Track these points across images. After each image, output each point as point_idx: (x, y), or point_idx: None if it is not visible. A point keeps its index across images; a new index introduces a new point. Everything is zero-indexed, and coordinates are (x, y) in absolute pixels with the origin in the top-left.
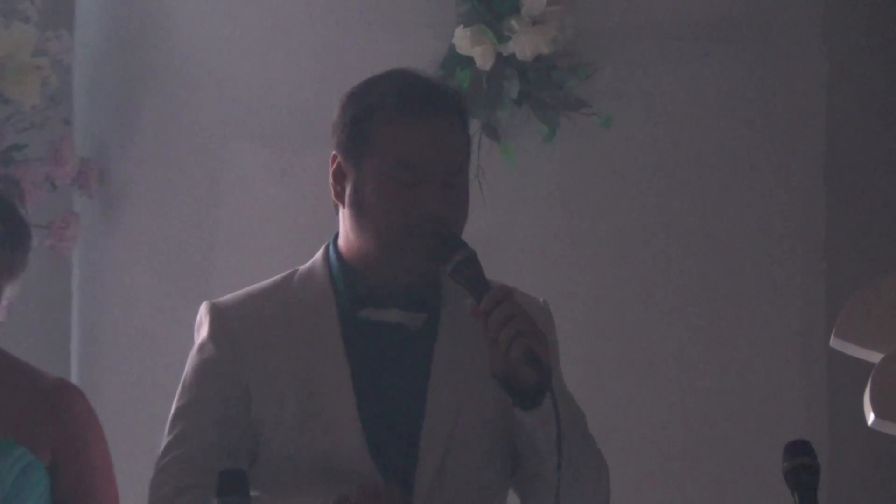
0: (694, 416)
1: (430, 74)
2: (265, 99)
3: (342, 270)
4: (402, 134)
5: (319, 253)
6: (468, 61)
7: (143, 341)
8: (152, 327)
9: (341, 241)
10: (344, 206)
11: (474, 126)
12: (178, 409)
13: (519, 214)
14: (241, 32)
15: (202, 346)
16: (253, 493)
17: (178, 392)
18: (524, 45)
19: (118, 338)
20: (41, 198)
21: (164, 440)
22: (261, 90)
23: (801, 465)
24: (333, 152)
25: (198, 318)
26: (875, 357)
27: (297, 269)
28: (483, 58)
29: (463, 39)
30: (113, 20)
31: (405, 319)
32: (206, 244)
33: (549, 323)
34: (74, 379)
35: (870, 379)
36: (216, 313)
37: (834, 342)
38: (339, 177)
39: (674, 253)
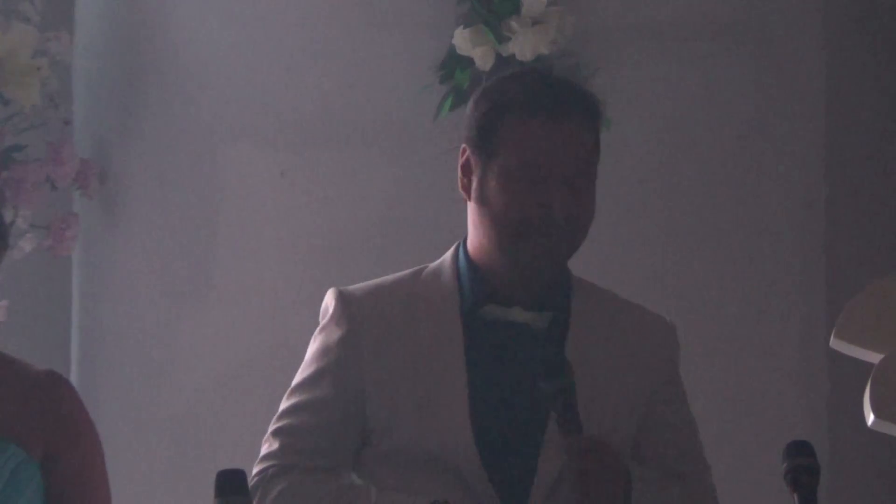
0: (693, 416)
1: (563, 76)
2: (265, 99)
3: (468, 268)
4: (529, 136)
5: (450, 251)
6: (468, 62)
7: (143, 341)
8: (152, 327)
9: (469, 238)
10: (470, 200)
11: None
12: (296, 384)
13: None
14: (241, 32)
15: (324, 328)
16: (360, 480)
17: (300, 368)
18: (524, 45)
19: (118, 338)
20: (41, 198)
21: (281, 407)
22: (261, 90)
23: (801, 465)
24: (463, 145)
25: (324, 303)
26: (875, 357)
27: (427, 266)
28: (483, 58)
29: (463, 40)
30: (113, 20)
31: (529, 319)
32: (206, 244)
33: (671, 343)
34: (74, 379)
35: (870, 379)
36: (342, 299)
37: (834, 343)
38: (467, 170)
39: (674, 253)
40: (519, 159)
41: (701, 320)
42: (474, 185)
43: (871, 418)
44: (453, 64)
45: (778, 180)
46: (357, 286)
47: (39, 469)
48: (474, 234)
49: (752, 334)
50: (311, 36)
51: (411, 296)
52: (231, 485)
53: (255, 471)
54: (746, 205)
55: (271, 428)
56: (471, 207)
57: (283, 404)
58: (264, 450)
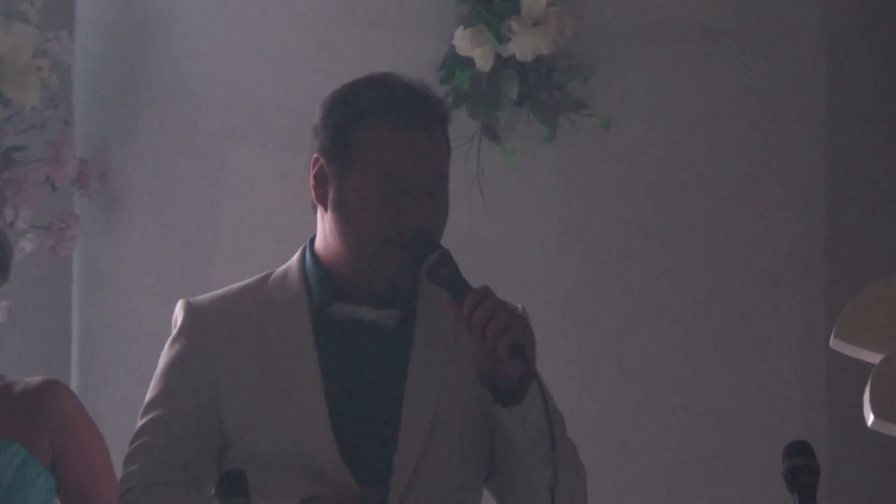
0: (694, 416)
1: (413, 81)
2: (265, 99)
3: (316, 270)
4: (388, 147)
5: (296, 255)
6: (468, 62)
7: (143, 341)
8: (152, 327)
9: (318, 242)
10: (325, 210)
11: (474, 127)
12: (149, 401)
13: (519, 215)
14: (241, 33)
15: (174, 341)
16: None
17: (151, 384)
18: (524, 46)
19: (118, 339)
20: (41, 199)
21: (137, 426)
22: (260, 91)
23: (800, 465)
24: (315, 154)
25: (174, 315)
26: (875, 358)
27: (274, 271)
28: (483, 59)
29: (463, 40)
30: (113, 20)
31: (378, 318)
32: (206, 244)
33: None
34: (74, 379)
35: (870, 380)
36: (190, 310)
37: (834, 343)
38: (321, 180)
39: (674, 253)
40: (379, 171)
41: (701, 320)
42: (331, 195)
43: (871, 418)
44: (453, 64)
45: (778, 180)
46: (204, 296)
47: (49, 472)
48: (329, 240)
49: (752, 334)
50: (312, 36)
51: (260, 300)
52: (231, 485)
53: (118, 494)
54: (746, 205)
55: (130, 448)
56: (326, 216)
57: (139, 422)
58: (125, 471)
